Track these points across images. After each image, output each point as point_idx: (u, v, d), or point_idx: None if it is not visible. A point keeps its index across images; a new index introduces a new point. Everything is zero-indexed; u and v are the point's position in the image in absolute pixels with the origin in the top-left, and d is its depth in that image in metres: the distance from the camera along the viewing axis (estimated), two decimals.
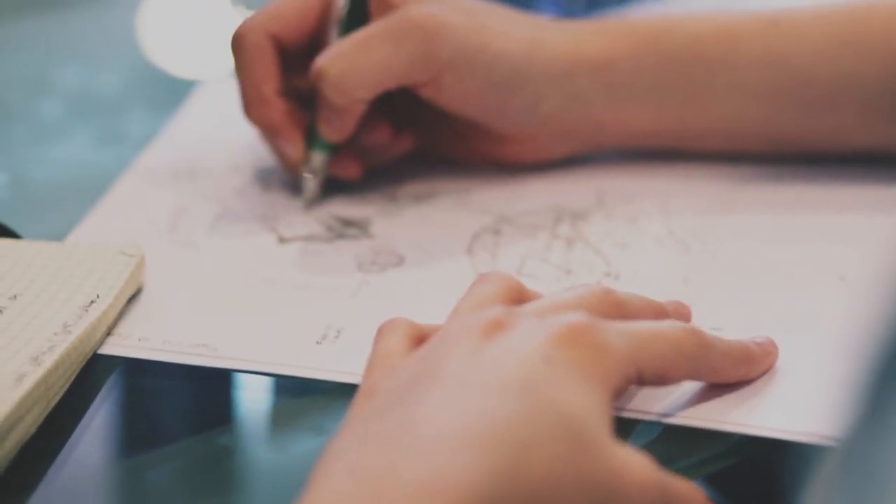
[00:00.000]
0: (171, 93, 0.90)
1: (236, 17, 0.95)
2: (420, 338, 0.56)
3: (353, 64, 0.70)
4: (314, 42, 0.74)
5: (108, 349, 0.63)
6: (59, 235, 0.71)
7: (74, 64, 0.95)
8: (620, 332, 0.53)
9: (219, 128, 0.82)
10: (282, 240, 0.71)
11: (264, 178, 0.76)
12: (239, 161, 0.78)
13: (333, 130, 0.72)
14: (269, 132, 0.73)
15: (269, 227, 0.72)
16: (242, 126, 0.80)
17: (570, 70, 0.72)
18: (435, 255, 0.70)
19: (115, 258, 0.66)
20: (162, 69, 0.97)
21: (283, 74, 0.73)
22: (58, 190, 0.80)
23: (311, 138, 0.73)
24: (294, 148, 0.73)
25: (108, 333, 0.63)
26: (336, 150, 0.73)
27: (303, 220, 0.73)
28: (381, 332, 0.56)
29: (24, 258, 0.66)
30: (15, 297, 0.63)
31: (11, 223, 0.71)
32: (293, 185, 0.75)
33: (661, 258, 0.69)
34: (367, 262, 0.69)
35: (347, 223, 0.72)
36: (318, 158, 0.73)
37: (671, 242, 0.70)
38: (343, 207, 0.74)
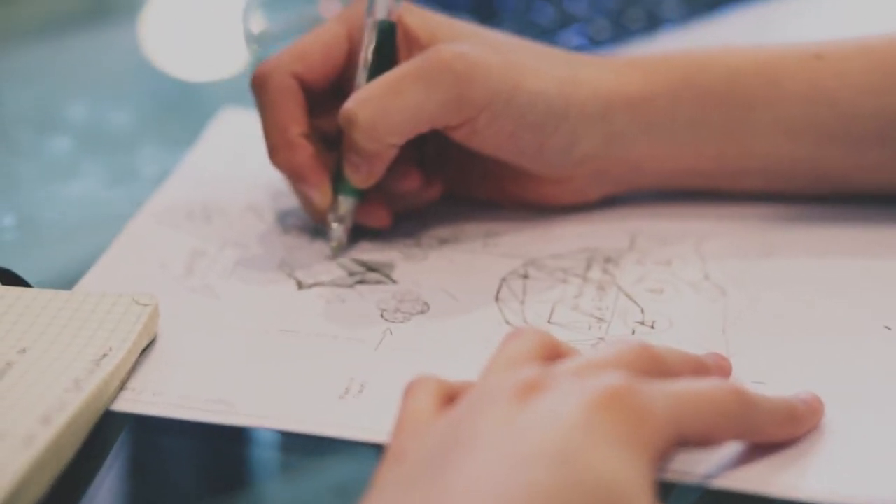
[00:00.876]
0: (185, 126, 0.87)
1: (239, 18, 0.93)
2: (450, 396, 0.54)
3: (384, 108, 0.66)
4: (339, 81, 0.71)
5: (120, 405, 0.60)
6: (69, 279, 0.68)
7: (83, 96, 0.92)
8: (661, 394, 0.51)
9: (234, 164, 0.79)
10: (301, 285, 0.68)
11: (282, 219, 0.74)
12: (256, 200, 0.75)
13: (362, 176, 0.68)
14: (296, 177, 0.70)
15: (288, 271, 0.69)
16: (259, 163, 0.77)
17: (607, 108, 0.70)
18: (461, 302, 0.67)
19: (128, 308, 0.63)
20: (175, 100, 0.94)
21: (308, 116, 0.70)
22: (68, 231, 0.77)
23: (337, 183, 0.69)
24: (321, 194, 0.69)
25: (121, 387, 0.61)
26: (363, 196, 0.70)
27: (323, 265, 0.70)
28: (409, 390, 0.54)
29: (33, 308, 0.63)
30: (24, 350, 0.60)
31: (19, 267, 0.68)
32: (312, 227, 0.72)
33: (698, 305, 0.66)
34: (391, 310, 0.66)
35: (369, 268, 0.70)
36: (346, 204, 0.70)
37: (708, 288, 0.67)
38: (364, 251, 0.71)
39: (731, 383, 0.53)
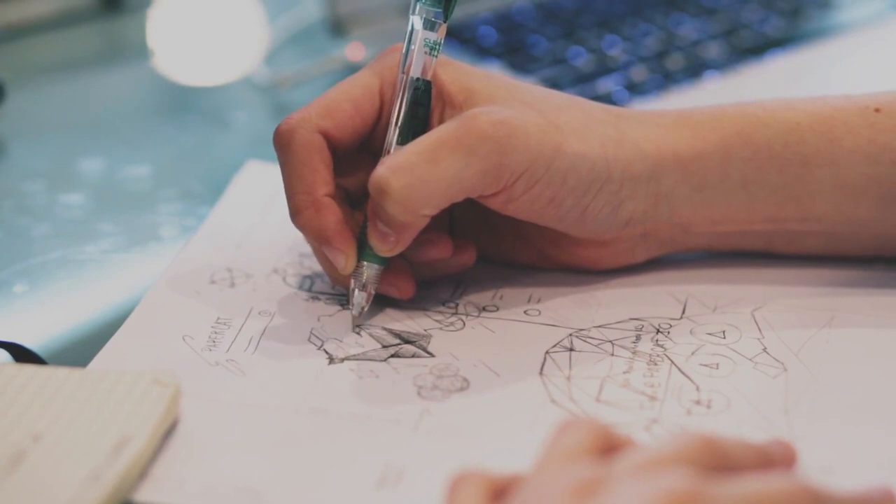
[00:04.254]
0: (206, 182, 0.84)
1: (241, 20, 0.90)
2: (498, 491, 0.51)
3: (419, 178, 0.62)
4: (368, 139, 0.67)
5: (141, 495, 0.56)
6: (84, 351, 0.65)
7: (99, 151, 0.89)
8: (725, 497, 0.47)
9: (259, 224, 0.75)
10: (332, 360, 0.64)
11: (310, 284, 0.70)
12: (281, 263, 0.71)
13: (388, 247, 0.64)
14: (320, 240, 0.65)
15: (317, 343, 0.65)
16: (284, 222, 0.74)
17: (654, 168, 0.66)
18: (503, 378, 0.63)
19: (148, 388, 0.59)
20: (195, 149, 0.91)
21: (334, 175, 0.66)
22: (83, 299, 0.74)
23: (361, 248, 0.65)
24: (346, 259, 0.65)
25: (141, 475, 0.57)
26: (388, 263, 0.66)
27: (354, 336, 0.66)
28: (454, 487, 0.51)
29: (47, 389, 0.59)
30: (38, 436, 0.56)
31: (31, 337, 0.67)
32: (342, 293, 0.68)
33: (757, 382, 0.62)
34: (429, 387, 0.62)
35: (404, 339, 0.66)
36: (370, 272, 0.65)
37: (767, 362, 0.63)
38: (398, 320, 0.67)
39: (800, 482, 0.50)
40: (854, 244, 0.68)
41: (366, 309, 0.66)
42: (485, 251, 0.70)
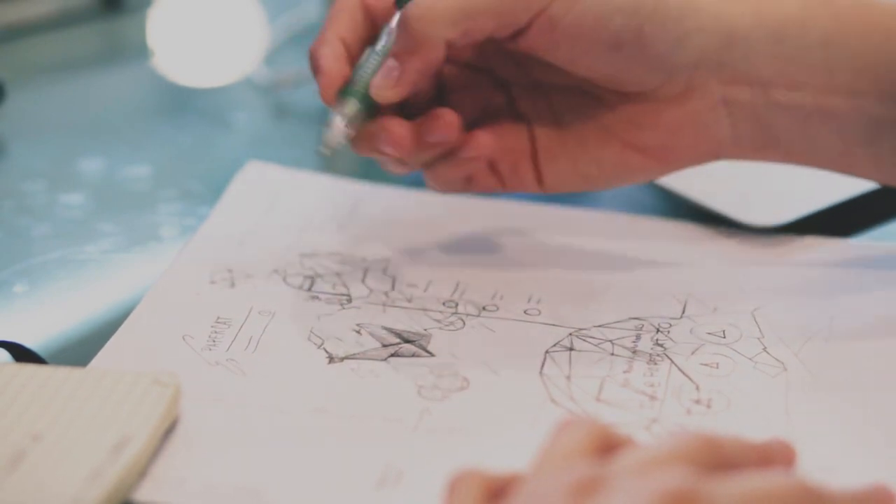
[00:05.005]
0: (206, 182, 0.84)
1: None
2: (496, 491, 0.50)
3: None
4: None
5: (141, 494, 0.56)
6: (84, 351, 0.65)
7: (99, 151, 0.89)
8: (727, 495, 0.47)
9: (259, 224, 0.75)
10: (332, 359, 0.64)
11: (309, 285, 0.69)
12: (281, 264, 0.71)
13: (390, 80, 0.63)
14: (312, 66, 0.65)
15: (317, 342, 0.65)
16: (284, 222, 0.74)
17: (724, 3, 0.62)
18: (503, 378, 0.63)
19: (148, 388, 0.59)
20: (194, 148, 0.91)
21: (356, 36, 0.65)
22: (82, 299, 0.73)
23: (348, 85, 0.64)
24: (327, 80, 0.64)
25: (141, 475, 0.57)
26: (374, 113, 0.64)
27: (354, 336, 0.66)
28: (452, 487, 0.50)
29: (47, 389, 0.59)
30: (38, 436, 0.56)
31: (31, 337, 0.66)
32: (342, 292, 0.68)
33: (757, 382, 0.62)
34: (428, 386, 0.62)
35: (404, 338, 0.66)
36: (351, 107, 0.64)
37: (766, 361, 0.63)
38: (397, 319, 0.67)
39: (799, 480, 0.49)
40: None
41: (337, 143, 0.64)
42: (569, 176, 0.67)
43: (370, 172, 0.81)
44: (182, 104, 1.01)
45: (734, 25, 0.62)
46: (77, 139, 0.91)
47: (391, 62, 0.63)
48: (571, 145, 0.67)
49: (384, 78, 0.63)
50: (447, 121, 0.65)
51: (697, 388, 0.62)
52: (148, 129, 0.95)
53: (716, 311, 0.67)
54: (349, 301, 0.68)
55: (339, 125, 0.64)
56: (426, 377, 0.63)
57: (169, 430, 0.59)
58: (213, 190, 0.78)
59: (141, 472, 0.56)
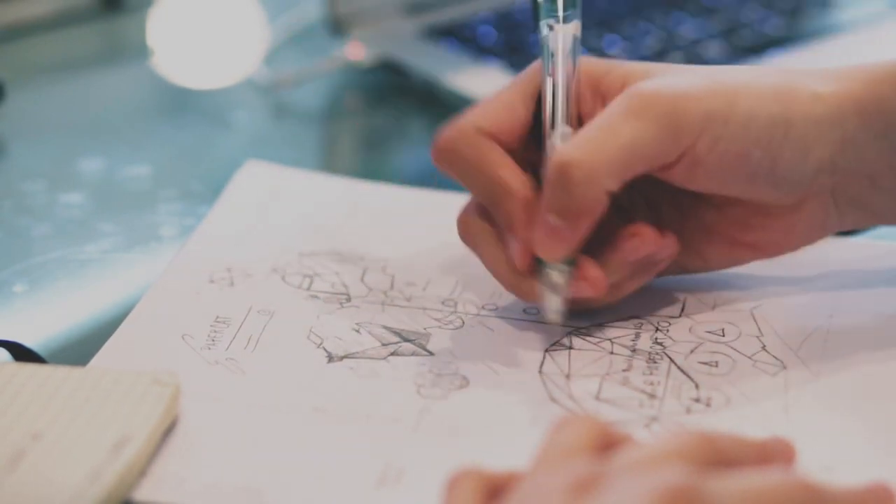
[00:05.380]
0: (206, 182, 0.84)
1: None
2: (494, 489, 0.50)
3: (601, 148, 0.61)
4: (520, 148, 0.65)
5: (141, 494, 0.56)
6: (84, 350, 0.65)
7: (99, 151, 0.89)
8: (725, 492, 0.47)
9: (258, 222, 0.75)
10: (331, 358, 0.64)
11: (308, 283, 0.69)
12: (280, 263, 0.71)
13: (561, 243, 0.62)
14: (508, 226, 0.63)
15: (316, 341, 0.65)
16: (283, 221, 0.75)
17: (835, 111, 0.63)
18: (503, 377, 0.63)
19: (147, 387, 0.59)
20: (194, 147, 0.91)
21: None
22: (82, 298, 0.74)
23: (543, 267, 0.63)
24: (525, 254, 0.63)
25: (141, 475, 0.57)
26: (575, 263, 0.63)
27: (352, 334, 0.66)
28: (451, 485, 0.51)
29: (46, 388, 0.59)
30: (38, 435, 0.56)
31: (32, 337, 0.66)
32: (340, 291, 0.68)
33: (756, 380, 0.62)
34: (428, 385, 0.62)
35: (403, 337, 0.66)
36: (557, 273, 0.62)
37: (765, 359, 0.63)
38: (396, 318, 0.67)
39: (798, 478, 0.50)
40: None
41: (561, 311, 0.63)
42: (669, 268, 0.67)
43: (369, 171, 0.81)
44: (182, 104, 1.01)
45: (845, 130, 0.64)
46: (77, 139, 0.91)
47: (555, 221, 0.61)
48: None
49: (552, 239, 0.62)
50: (650, 235, 0.64)
51: (697, 386, 0.62)
52: (148, 129, 0.95)
53: (714, 309, 0.67)
54: (348, 300, 0.68)
55: (555, 297, 0.63)
56: (425, 376, 0.63)
57: (168, 430, 0.59)
58: (213, 190, 0.78)
59: (140, 471, 0.56)
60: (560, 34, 0.65)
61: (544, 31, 0.65)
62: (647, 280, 0.66)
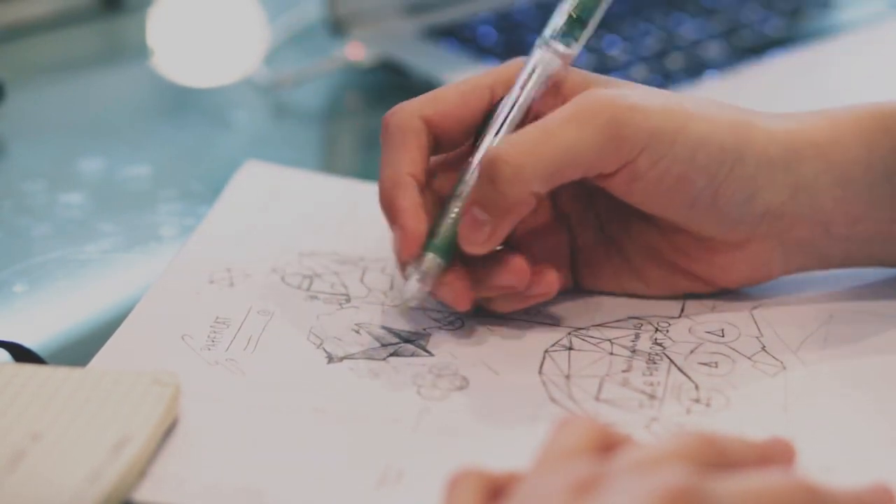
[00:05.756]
0: (206, 182, 0.84)
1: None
2: (495, 490, 0.50)
3: (532, 147, 0.60)
4: (468, 137, 0.65)
5: (141, 495, 0.56)
6: (84, 350, 0.64)
7: (99, 151, 0.89)
8: (726, 494, 0.47)
9: (258, 223, 0.75)
10: (331, 359, 0.64)
11: (308, 284, 0.69)
12: (280, 263, 0.71)
13: (481, 237, 0.61)
14: (389, 217, 0.64)
15: (316, 342, 0.65)
16: (283, 221, 0.75)
17: (792, 154, 0.63)
18: (502, 377, 0.63)
19: (147, 388, 0.59)
20: (194, 148, 0.91)
21: (428, 167, 0.65)
22: (82, 299, 0.74)
23: (430, 239, 0.63)
24: (408, 241, 0.63)
25: (141, 475, 0.57)
26: (450, 263, 0.63)
27: (352, 335, 0.66)
28: (451, 486, 0.51)
29: (46, 388, 0.59)
30: (37, 436, 0.56)
31: (31, 337, 0.66)
32: (340, 292, 0.68)
33: (756, 380, 0.62)
34: (428, 386, 0.62)
35: (403, 338, 0.66)
36: (432, 264, 0.63)
37: (765, 360, 0.63)
38: (396, 318, 0.67)
39: (798, 479, 0.50)
40: None
41: (417, 302, 0.63)
42: (609, 283, 0.67)
43: (369, 171, 0.81)
44: (182, 104, 1.01)
45: (802, 175, 0.63)
46: (77, 139, 0.91)
47: (480, 215, 0.61)
48: (615, 258, 0.67)
49: (474, 232, 0.62)
50: (519, 268, 0.63)
51: (696, 387, 0.62)
52: (148, 129, 0.95)
53: (714, 310, 0.67)
54: (348, 300, 0.68)
55: (417, 282, 0.63)
56: (425, 377, 0.63)
57: (168, 430, 0.59)
58: (213, 190, 0.78)
59: (140, 472, 0.56)
60: (546, 56, 0.64)
61: (538, 43, 0.64)
62: (523, 306, 0.65)
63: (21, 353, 0.64)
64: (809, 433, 0.58)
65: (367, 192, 0.78)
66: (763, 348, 0.64)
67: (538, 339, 0.65)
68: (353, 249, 0.72)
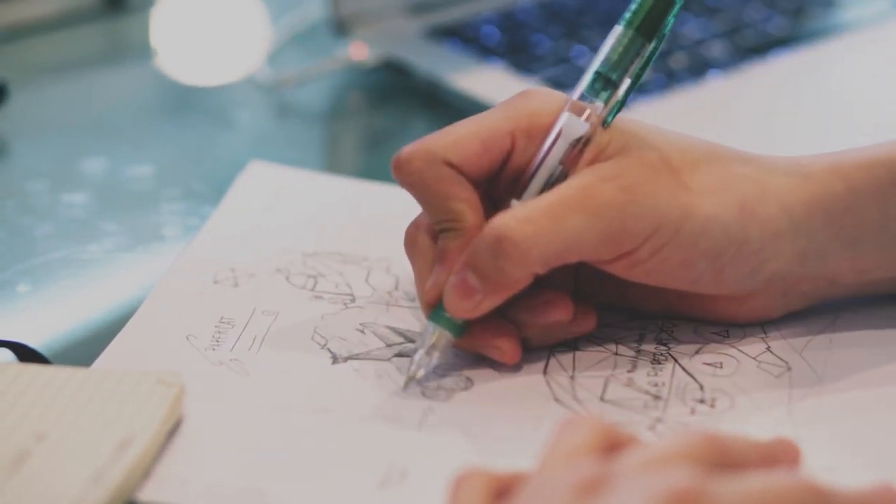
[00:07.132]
0: (209, 182, 0.84)
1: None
2: (501, 490, 0.50)
3: (540, 232, 0.59)
4: (488, 184, 0.64)
5: (145, 495, 0.56)
6: (88, 350, 0.65)
7: (102, 150, 0.89)
8: (730, 494, 0.47)
9: (262, 223, 0.75)
10: (335, 359, 0.64)
11: (313, 284, 0.69)
12: (284, 263, 0.71)
13: (470, 304, 0.60)
14: (446, 259, 0.62)
15: (321, 342, 0.65)
16: (287, 221, 0.75)
17: (801, 223, 0.62)
18: (506, 377, 0.63)
19: (151, 388, 0.59)
20: (198, 148, 0.91)
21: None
22: (86, 299, 0.73)
23: (437, 310, 0.62)
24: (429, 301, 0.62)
25: (145, 475, 0.57)
26: (462, 334, 0.62)
27: (357, 335, 0.66)
28: (456, 486, 0.51)
29: (50, 388, 0.59)
30: (42, 436, 0.56)
31: (35, 337, 0.66)
32: (345, 292, 0.68)
33: (760, 381, 0.62)
34: (432, 387, 0.62)
35: (407, 338, 0.65)
36: (441, 340, 0.62)
37: (770, 361, 0.63)
38: (400, 318, 0.67)
39: (803, 479, 0.49)
40: None
41: (421, 375, 0.62)
42: (608, 300, 0.66)
43: (373, 171, 0.81)
44: (185, 104, 1.01)
45: (811, 242, 0.62)
46: (80, 139, 0.91)
47: (473, 281, 0.60)
48: (611, 288, 0.66)
49: (463, 298, 0.61)
50: (564, 306, 0.63)
51: (701, 387, 0.62)
52: (151, 129, 0.95)
53: None
54: (352, 301, 0.68)
55: (426, 356, 0.62)
56: (430, 376, 0.63)
57: (172, 430, 0.59)
58: (216, 189, 0.78)
59: (144, 472, 0.56)
60: (571, 121, 0.61)
61: (567, 98, 0.62)
62: (557, 340, 0.65)
63: (25, 353, 0.64)
64: (814, 434, 0.58)
65: (370, 192, 0.78)
66: (768, 349, 0.64)
67: None
68: (358, 249, 0.72)
